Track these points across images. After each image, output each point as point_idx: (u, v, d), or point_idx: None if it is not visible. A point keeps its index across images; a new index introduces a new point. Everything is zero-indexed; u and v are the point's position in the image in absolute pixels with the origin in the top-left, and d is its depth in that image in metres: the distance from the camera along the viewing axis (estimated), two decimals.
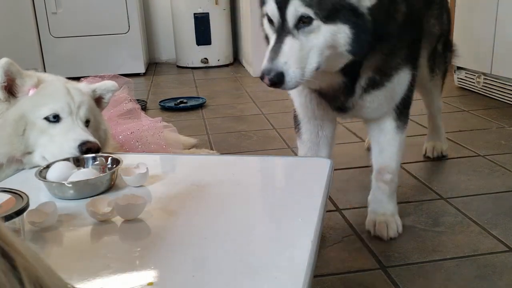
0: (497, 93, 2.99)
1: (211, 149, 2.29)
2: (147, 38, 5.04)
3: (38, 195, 0.99)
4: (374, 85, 1.34)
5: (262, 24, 1.34)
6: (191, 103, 3.25)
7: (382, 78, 1.34)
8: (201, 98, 3.36)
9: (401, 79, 1.37)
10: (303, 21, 1.15)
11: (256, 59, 4.17)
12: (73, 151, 1.13)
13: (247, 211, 0.92)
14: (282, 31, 1.17)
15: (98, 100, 1.38)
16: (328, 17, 1.14)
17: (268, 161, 1.26)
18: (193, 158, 1.35)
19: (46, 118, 1.17)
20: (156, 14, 5.13)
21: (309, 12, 1.14)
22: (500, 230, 1.45)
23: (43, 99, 1.19)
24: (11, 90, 1.20)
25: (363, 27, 1.16)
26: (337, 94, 1.36)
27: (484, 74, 3.08)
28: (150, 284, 0.67)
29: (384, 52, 1.29)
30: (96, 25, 4.29)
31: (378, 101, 1.38)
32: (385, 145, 1.47)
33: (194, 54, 4.76)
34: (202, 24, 4.66)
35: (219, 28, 4.73)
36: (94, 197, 0.93)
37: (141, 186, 1.03)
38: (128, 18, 4.33)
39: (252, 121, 2.82)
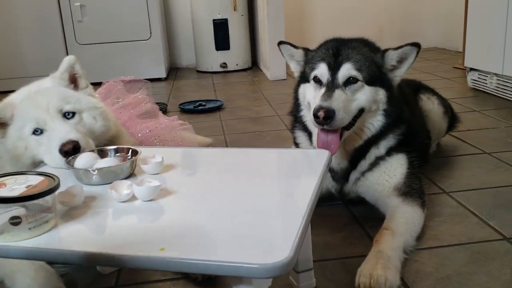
0: (509, 93, 3.03)
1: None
2: (168, 44, 5.21)
3: (67, 181, 1.12)
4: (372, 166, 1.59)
5: (296, 90, 1.68)
6: (209, 105, 3.38)
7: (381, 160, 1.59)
8: (219, 100, 3.49)
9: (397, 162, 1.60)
10: (351, 81, 1.49)
11: (273, 64, 4.29)
12: (60, 157, 1.21)
13: (249, 193, 1.03)
14: (332, 85, 1.49)
15: (74, 79, 1.42)
16: (370, 81, 1.50)
17: (274, 152, 1.36)
18: (205, 151, 1.46)
19: (33, 133, 1.28)
20: (177, 21, 5.31)
21: (357, 75, 1.49)
22: (497, 221, 1.52)
23: (21, 120, 1.29)
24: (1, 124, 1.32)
25: (393, 94, 1.55)
26: (339, 176, 1.64)
27: (496, 74, 3.13)
28: (162, 249, 0.79)
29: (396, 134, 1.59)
30: (119, 32, 4.48)
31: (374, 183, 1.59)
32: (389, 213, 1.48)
33: (213, 59, 4.91)
34: (221, 29, 4.80)
35: (237, 33, 4.87)
36: (116, 181, 1.05)
37: (157, 173, 1.15)
38: (150, 25, 4.50)
39: (267, 122, 2.93)
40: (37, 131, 1.28)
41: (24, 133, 1.28)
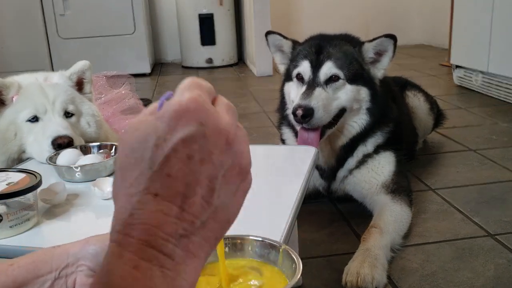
0: (494, 91, 3.06)
1: None
2: (153, 39, 5.15)
3: (49, 178, 1.09)
4: (360, 164, 1.58)
5: (282, 89, 1.67)
6: None
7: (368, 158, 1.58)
8: None
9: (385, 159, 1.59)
10: (332, 79, 1.49)
11: (259, 59, 4.28)
12: (49, 149, 1.22)
13: None
14: (313, 83, 1.49)
15: (81, 83, 1.45)
16: (352, 79, 1.49)
17: (261, 148, 1.35)
18: None
19: (28, 120, 1.29)
20: (162, 15, 5.25)
21: (339, 73, 1.49)
22: (481, 217, 1.53)
23: (22, 104, 1.30)
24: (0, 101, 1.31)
25: (377, 92, 1.53)
26: (327, 174, 1.62)
27: (481, 72, 3.16)
28: None
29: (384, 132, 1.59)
30: (102, 27, 4.41)
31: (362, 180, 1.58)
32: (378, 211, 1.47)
33: (199, 54, 4.87)
34: (206, 24, 4.76)
35: (223, 28, 4.83)
36: (99, 179, 1.03)
37: None
38: (134, 19, 4.44)
39: (254, 119, 2.91)
40: (33, 119, 1.29)
41: (19, 117, 1.29)
